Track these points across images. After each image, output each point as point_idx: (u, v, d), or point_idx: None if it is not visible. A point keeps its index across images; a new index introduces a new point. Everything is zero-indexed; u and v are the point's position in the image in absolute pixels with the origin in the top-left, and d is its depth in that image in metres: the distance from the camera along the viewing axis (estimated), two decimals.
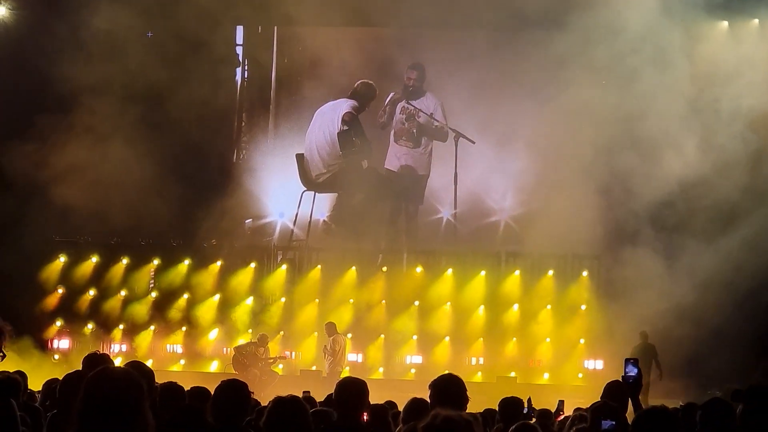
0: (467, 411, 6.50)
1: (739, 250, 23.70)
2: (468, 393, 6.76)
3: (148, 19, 26.48)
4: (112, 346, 27.01)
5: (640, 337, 23.76)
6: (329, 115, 27.71)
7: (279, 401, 6.44)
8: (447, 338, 26.56)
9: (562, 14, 24.37)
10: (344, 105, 27.57)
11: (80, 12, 25.68)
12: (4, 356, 5.92)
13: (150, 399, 4.81)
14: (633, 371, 7.51)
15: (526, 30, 25.92)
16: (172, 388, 7.99)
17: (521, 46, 26.15)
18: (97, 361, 6.60)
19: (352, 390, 7.23)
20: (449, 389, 6.76)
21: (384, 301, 26.82)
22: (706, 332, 23.34)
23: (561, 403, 12.65)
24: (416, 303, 26.73)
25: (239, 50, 29.42)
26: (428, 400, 7.03)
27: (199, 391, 8.49)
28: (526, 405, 11.43)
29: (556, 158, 25.83)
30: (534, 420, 10.23)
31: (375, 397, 8.03)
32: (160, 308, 27.26)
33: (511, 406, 9.27)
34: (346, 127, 27.48)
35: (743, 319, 24.11)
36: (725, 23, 26.25)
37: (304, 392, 12.90)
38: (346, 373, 23.61)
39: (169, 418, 7.02)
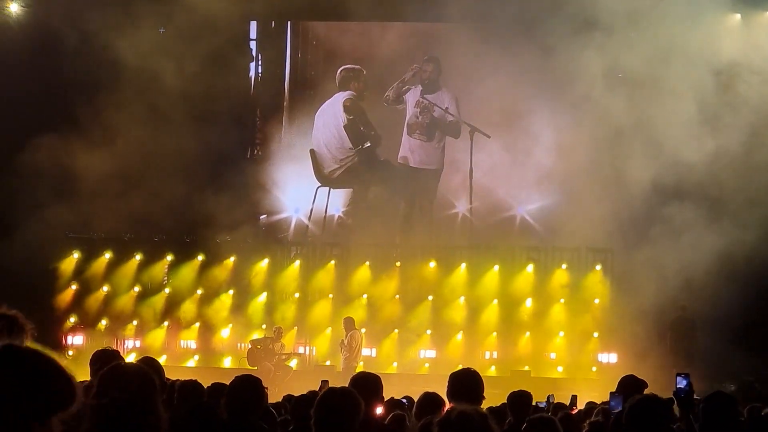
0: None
1: (757, 242, 23.58)
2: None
3: (162, 14, 26.45)
4: (126, 342, 27.05)
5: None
6: (330, 111, 27.81)
7: (332, 390, 6.35)
8: (461, 332, 26.54)
9: (577, 7, 24.31)
10: (340, 96, 27.67)
11: (93, 12, 25.77)
12: None
13: (161, 395, 4.82)
14: (682, 383, 6.95)
15: (541, 23, 25.79)
16: (191, 385, 8.01)
17: (537, 40, 26.00)
18: (107, 357, 6.60)
19: (367, 384, 7.20)
20: (466, 382, 6.76)
21: (398, 296, 26.82)
22: (720, 325, 23.28)
23: (574, 397, 12.68)
24: (430, 298, 26.72)
25: (253, 45, 29.38)
26: (439, 394, 7.04)
27: (217, 388, 8.51)
28: (546, 401, 11.41)
29: (571, 152, 25.76)
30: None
31: (388, 392, 8.01)
32: (173, 304, 27.30)
33: (519, 399, 9.23)
34: (350, 116, 27.54)
35: (759, 313, 24.06)
36: (738, 16, 26.16)
37: (322, 381, 12.84)
38: (360, 368, 23.59)
39: (184, 414, 7.02)
